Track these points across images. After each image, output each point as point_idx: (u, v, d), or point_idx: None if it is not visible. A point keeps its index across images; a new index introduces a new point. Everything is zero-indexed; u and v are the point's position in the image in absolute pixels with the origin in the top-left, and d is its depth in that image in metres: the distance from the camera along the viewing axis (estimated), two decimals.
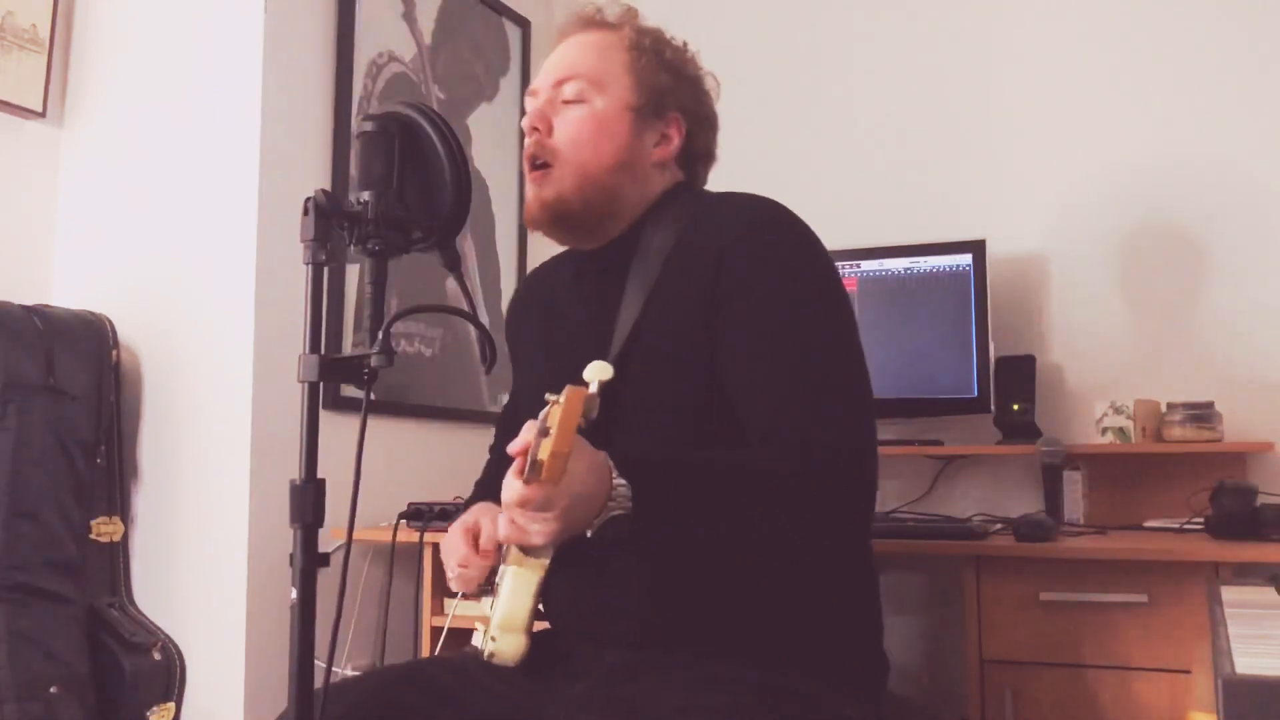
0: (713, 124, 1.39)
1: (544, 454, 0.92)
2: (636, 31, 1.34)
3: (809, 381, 1.16)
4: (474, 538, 1.30)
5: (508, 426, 1.54)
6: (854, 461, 1.15)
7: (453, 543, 1.32)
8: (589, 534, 1.08)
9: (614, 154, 1.28)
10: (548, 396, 0.99)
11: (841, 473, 1.14)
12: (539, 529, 1.04)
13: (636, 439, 1.20)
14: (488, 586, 1.29)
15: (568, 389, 0.95)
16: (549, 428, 0.93)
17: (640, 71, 1.31)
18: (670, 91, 1.32)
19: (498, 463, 1.53)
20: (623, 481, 1.07)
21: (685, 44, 1.39)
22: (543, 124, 1.30)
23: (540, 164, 1.30)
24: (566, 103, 1.30)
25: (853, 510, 1.18)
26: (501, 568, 1.24)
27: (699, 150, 1.37)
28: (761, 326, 1.18)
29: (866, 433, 1.18)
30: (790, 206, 1.26)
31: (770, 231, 1.22)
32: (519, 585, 1.21)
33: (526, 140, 1.31)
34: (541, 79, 1.33)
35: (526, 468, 0.94)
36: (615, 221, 1.31)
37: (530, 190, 1.31)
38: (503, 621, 1.21)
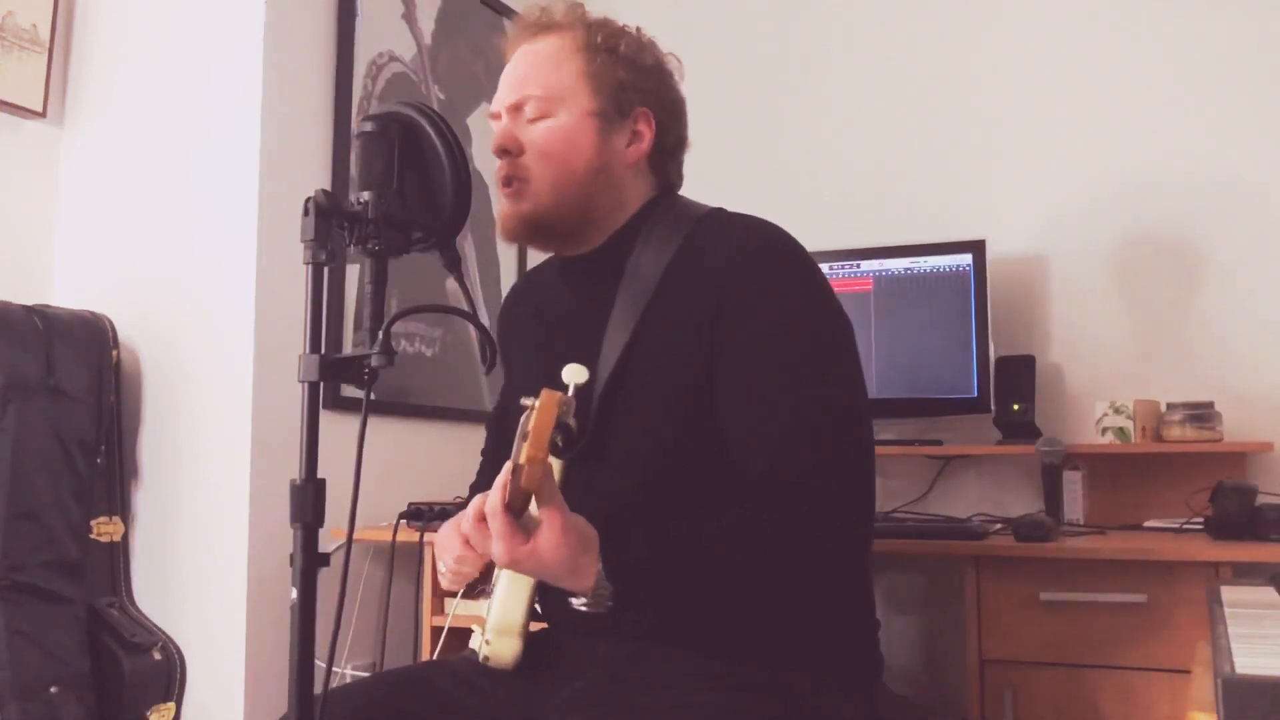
0: (681, 109, 1.36)
1: (523, 458, 0.95)
2: (587, 29, 1.30)
3: (806, 430, 1.16)
4: None
5: (497, 428, 1.54)
6: (847, 509, 1.17)
7: (447, 536, 1.30)
8: (573, 603, 1.09)
9: (585, 163, 1.26)
10: (523, 401, 1.01)
11: (835, 523, 1.15)
12: (495, 548, 1.04)
13: (623, 464, 1.22)
14: (484, 589, 1.29)
15: (544, 392, 0.97)
16: (528, 431, 0.96)
17: (597, 74, 1.28)
18: (632, 86, 1.29)
19: (490, 464, 1.54)
20: (607, 586, 1.07)
21: (639, 30, 1.35)
22: (513, 145, 1.27)
23: (517, 181, 1.28)
24: (530, 120, 1.27)
25: (846, 549, 1.20)
26: (497, 571, 1.25)
27: (673, 141, 1.35)
28: (760, 371, 1.18)
29: (863, 482, 1.19)
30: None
31: (771, 269, 1.21)
32: (514, 588, 1.21)
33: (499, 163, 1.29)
34: (499, 100, 1.30)
35: (509, 483, 0.98)
36: (595, 228, 1.30)
37: (504, 205, 1.29)
38: (498, 625, 1.21)
